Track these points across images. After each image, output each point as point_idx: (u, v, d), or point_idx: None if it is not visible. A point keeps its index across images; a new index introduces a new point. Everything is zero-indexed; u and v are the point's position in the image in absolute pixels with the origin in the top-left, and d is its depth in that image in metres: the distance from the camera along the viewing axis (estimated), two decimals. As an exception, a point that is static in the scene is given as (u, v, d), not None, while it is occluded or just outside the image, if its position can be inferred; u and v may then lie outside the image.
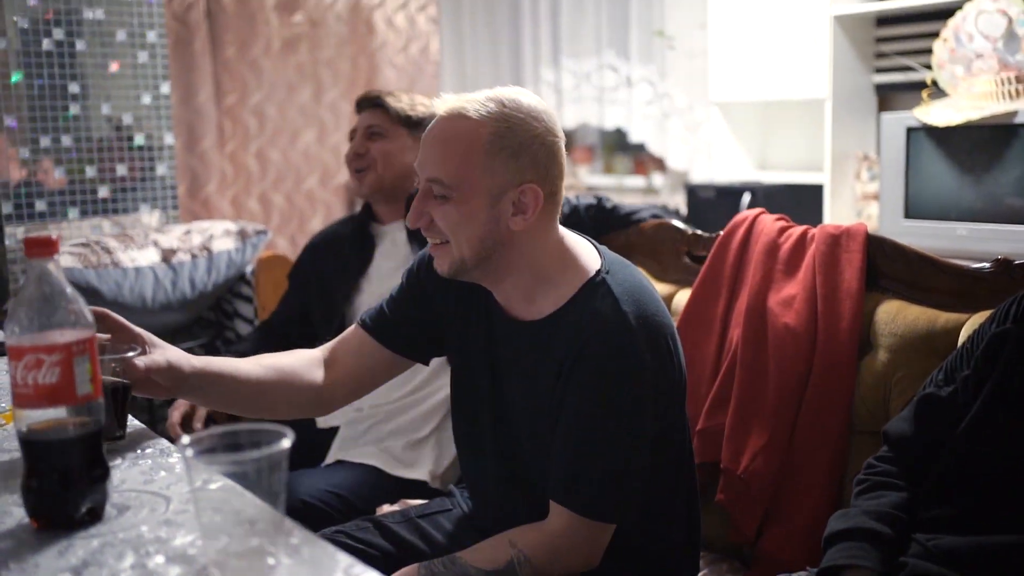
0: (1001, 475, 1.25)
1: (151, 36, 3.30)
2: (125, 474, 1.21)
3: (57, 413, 1.03)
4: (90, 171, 3.23)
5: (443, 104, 1.38)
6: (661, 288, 1.98)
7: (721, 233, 1.95)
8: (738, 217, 1.96)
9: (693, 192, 3.87)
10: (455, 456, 2.02)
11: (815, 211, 3.62)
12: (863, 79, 3.71)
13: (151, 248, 2.89)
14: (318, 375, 1.54)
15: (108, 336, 1.35)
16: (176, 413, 2.13)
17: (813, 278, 1.78)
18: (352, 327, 1.59)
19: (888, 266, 1.75)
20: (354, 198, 5.13)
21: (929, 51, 3.31)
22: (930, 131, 3.16)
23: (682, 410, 1.51)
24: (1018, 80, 3.05)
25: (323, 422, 2.18)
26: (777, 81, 3.77)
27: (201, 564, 0.93)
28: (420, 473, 2.03)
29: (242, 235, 3.06)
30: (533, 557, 1.37)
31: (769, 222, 1.91)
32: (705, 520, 1.62)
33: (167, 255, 2.90)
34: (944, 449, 1.29)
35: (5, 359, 1.09)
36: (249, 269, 3.05)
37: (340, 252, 2.26)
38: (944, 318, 1.63)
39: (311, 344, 1.63)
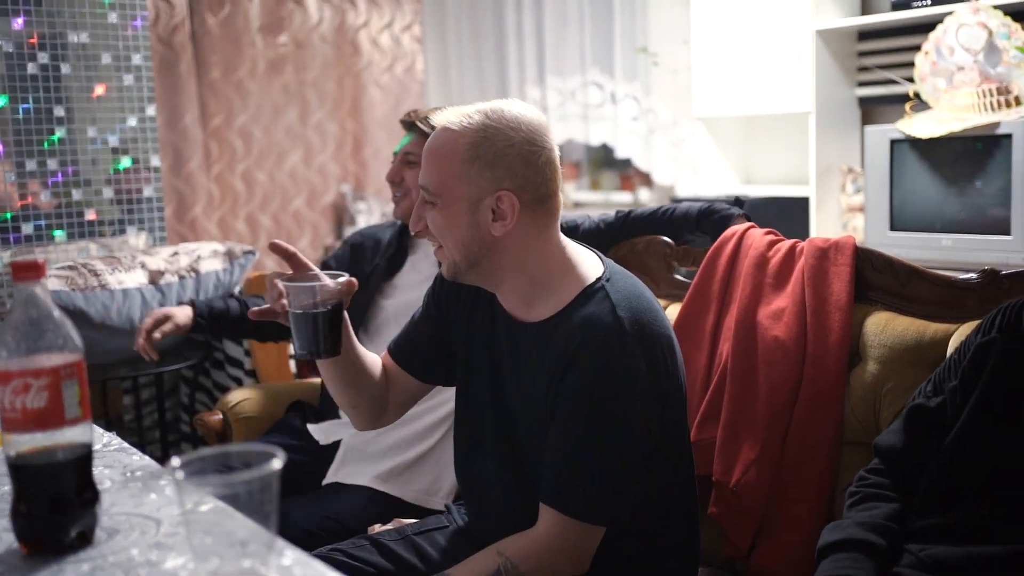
0: (991, 484, 1.25)
1: (136, 59, 3.30)
2: (115, 497, 1.20)
3: (46, 437, 1.02)
4: (76, 194, 3.22)
5: (438, 119, 1.47)
6: (651, 303, 1.98)
7: (710, 248, 1.96)
8: (727, 231, 1.97)
9: (679, 207, 3.88)
10: (453, 477, 2.02)
11: (801, 224, 3.64)
12: (846, 92, 3.74)
13: (138, 270, 2.88)
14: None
15: (291, 272, 1.48)
16: (148, 319, 2.26)
17: (802, 291, 1.79)
18: (384, 352, 1.67)
19: (876, 278, 1.76)
20: (343, 217, 5.13)
21: (911, 64, 3.34)
22: (914, 143, 3.19)
23: (680, 420, 1.51)
24: (999, 92, 3.08)
25: (323, 437, 2.18)
26: (761, 96, 3.79)
27: (193, 587, 0.93)
28: (418, 491, 2.03)
29: (230, 255, 3.05)
30: (520, 563, 1.38)
31: (758, 236, 1.92)
32: (698, 534, 1.61)
33: (155, 277, 2.89)
34: (934, 459, 1.30)
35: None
36: (237, 289, 3.05)
37: (376, 253, 2.30)
38: (933, 329, 1.64)
39: None
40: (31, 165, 3.12)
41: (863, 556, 1.28)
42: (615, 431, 1.38)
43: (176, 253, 3.00)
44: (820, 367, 1.72)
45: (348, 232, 4.99)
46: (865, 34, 3.69)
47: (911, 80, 3.36)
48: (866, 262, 1.77)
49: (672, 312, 1.97)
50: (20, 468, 1.03)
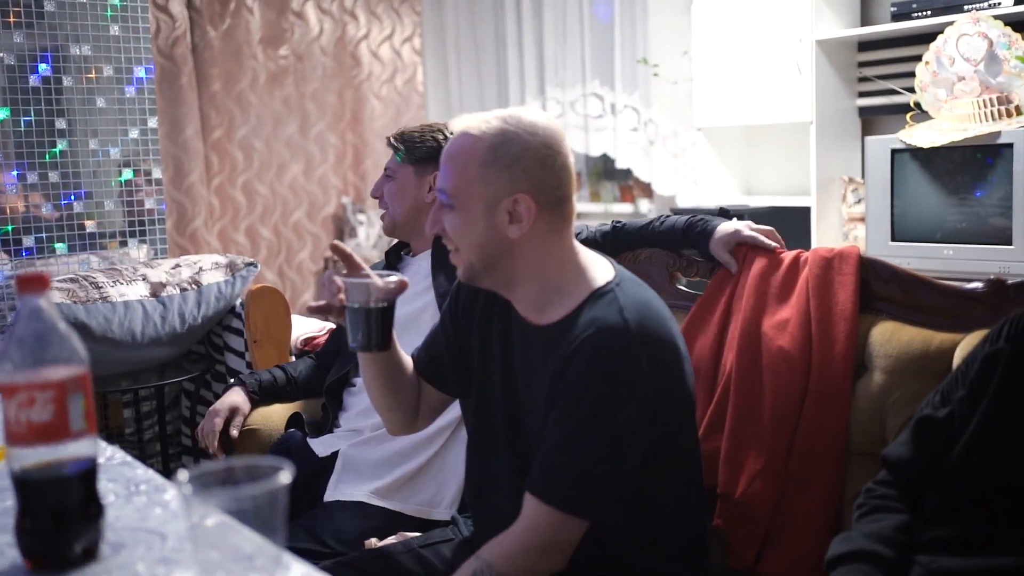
0: (1000, 495, 1.25)
1: (138, 71, 3.30)
2: (120, 511, 1.19)
3: (51, 451, 1.02)
4: (78, 206, 3.22)
5: (456, 124, 1.50)
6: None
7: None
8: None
9: (680, 218, 3.88)
10: (456, 486, 2.01)
11: (802, 234, 3.63)
12: (846, 103, 3.74)
13: (140, 282, 2.87)
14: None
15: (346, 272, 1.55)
16: (218, 420, 2.23)
17: (807, 301, 1.78)
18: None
19: (882, 288, 1.75)
20: (343, 229, 5.13)
21: (910, 75, 3.34)
22: (915, 153, 3.19)
23: (686, 428, 1.51)
24: (1000, 101, 3.08)
25: (322, 450, 2.17)
26: (761, 106, 3.80)
27: (199, 602, 0.92)
28: (419, 504, 2.02)
29: (231, 268, 3.04)
30: (496, 562, 1.37)
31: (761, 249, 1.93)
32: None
33: (156, 289, 2.88)
34: (942, 470, 1.29)
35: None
36: (239, 302, 3.04)
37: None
38: (939, 339, 1.63)
39: None
40: (32, 177, 3.11)
41: (872, 568, 1.27)
42: (609, 430, 1.37)
43: (178, 265, 2.99)
44: (825, 377, 1.71)
45: (348, 244, 4.99)
46: (865, 44, 3.70)
47: (911, 90, 3.36)
48: (871, 272, 1.77)
49: (676, 324, 1.97)
50: (25, 482, 1.02)
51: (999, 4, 3.14)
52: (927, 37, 3.28)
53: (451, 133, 1.67)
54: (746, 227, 1.95)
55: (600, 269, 1.50)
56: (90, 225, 3.25)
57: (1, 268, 3.04)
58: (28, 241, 3.12)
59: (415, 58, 5.36)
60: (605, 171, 5.05)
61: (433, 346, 1.68)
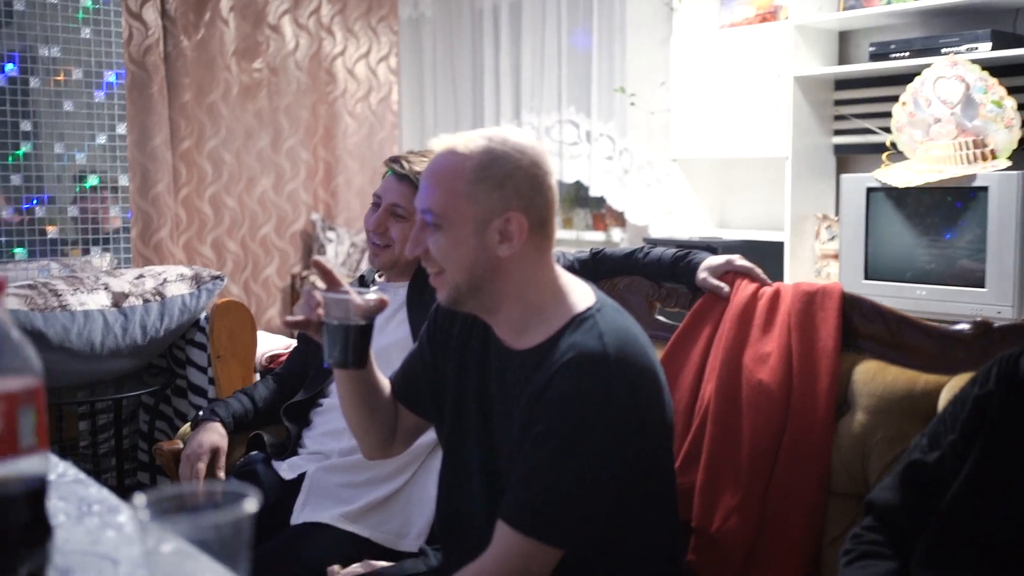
0: (994, 540, 1.21)
1: (108, 75, 3.22)
2: (69, 533, 1.12)
3: (-3, 468, 0.95)
4: (40, 211, 3.13)
5: (438, 143, 1.46)
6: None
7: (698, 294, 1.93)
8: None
9: (653, 248, 3.86)
10: (425, 518, 1.95)
11: (775, 269, 3.63)
12: (822, 140, 3.76)
13: (101, 292, 2.79)
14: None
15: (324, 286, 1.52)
16: (200, 464, 2.09)
17: (788, 335, 1.76)
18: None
19: (865, 326, 1.73)
20: (311, 246, 5.05)
21: (887, 114, 3.36)
22: (889, 192, 3.20)
23: (663, 458, 1.48)
24: (975, 145, 3.10)
25: (288, 473, 2.10)
26: (737, 140, 3.80)
27: (153, 636, 0.86)
28: (387, 533, 1.95)
29: (197, 280, 2.96)
30: None
31: (745, 282, 1.90)
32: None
33: (118, 299, 2.79)
34: (934, 517, 1.26)
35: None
36: (204, 315, 2.96)
37: None
38: (924, 380, 1.61)
39: None
40: (-6, 180, 3.03)
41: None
42: (583, 456, 1.34)
43: (141, 276, 2.91)
44: (806, 414, 1.68)
45: (316, 261, 4.91)
46: (843, 83, 3.72)
47: (887, 130, 3.38)
48: (854, 309, 1.75)
49: (656, 353, 1.93)
50: (-32, 501, 0.95)
51: (976, 48, 3.17)
52: (905, 78, 3.31)
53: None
54: (737, 258, 1.94)
55: (581, 294, 1.48)
56: (52, 231, 3.16)
57: (-44, 272, 2.94)
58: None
59: (391, 77, 5.33)
60: (578, 198, 5.04)
61: (410, 368, 1.65)
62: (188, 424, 2.43)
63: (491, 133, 1.44)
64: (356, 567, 1.73)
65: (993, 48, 3.13)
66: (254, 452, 2.24)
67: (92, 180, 3.25)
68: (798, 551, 1.65)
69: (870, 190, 3.24)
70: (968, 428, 1.26)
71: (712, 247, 1.97)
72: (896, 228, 3.22)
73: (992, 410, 1.25)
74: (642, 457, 1.40)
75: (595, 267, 2.10)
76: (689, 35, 3.96)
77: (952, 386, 1.55)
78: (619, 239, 4.71)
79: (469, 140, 1.42)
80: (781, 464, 1.69)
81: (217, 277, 3.00)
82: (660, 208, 4.34)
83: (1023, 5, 3.27)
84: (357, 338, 1.48)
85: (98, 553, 1.06)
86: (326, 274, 1.52)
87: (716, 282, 1.91)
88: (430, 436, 1.74)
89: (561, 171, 4.70)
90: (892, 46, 3.38)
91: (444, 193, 1.41)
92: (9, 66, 3.03)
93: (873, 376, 1.66)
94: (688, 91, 3.94)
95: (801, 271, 3.69)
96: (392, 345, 2.04)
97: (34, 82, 3.09)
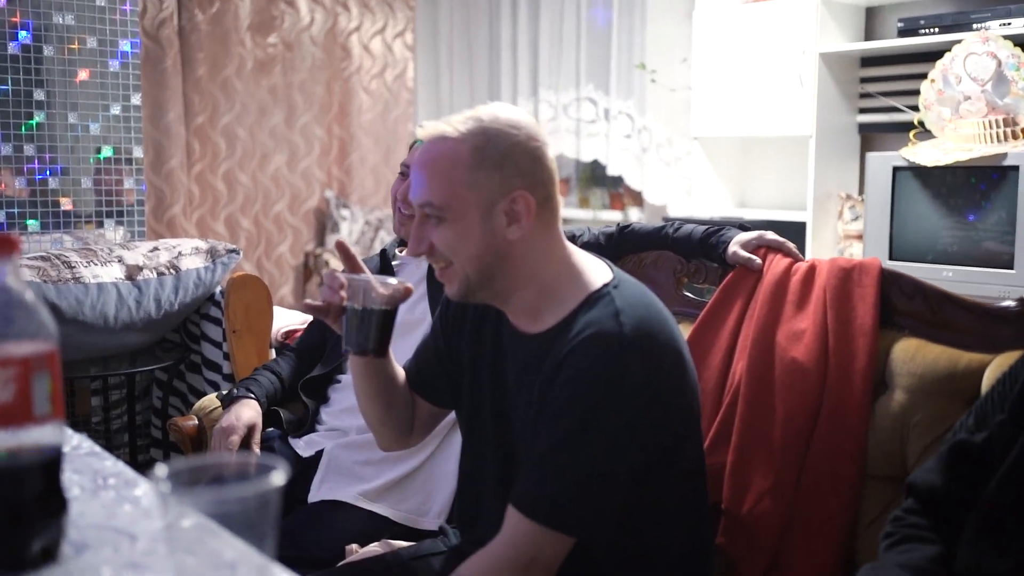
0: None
1: (123, 45, 3.18)
2: (84, 507, 1.08)
3: (10, 437, 0.91)
4: (53, 183, 3.09)
5: (425, 130, 1.40)
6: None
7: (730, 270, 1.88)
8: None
9: (672, 227, 3.81)
10: (445, 496, 1.92)
11: (797, 250, 3.56)
12: (847, 118, 3.69)
13: (115, 264, 2.75)
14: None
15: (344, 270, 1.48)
16: (235, 437, 2.02)
17: (824, 312, 1.71)
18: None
19: (905, 303, 1.67)
20: (325, 223, 5.02)
21: (914, 92, 3.29)
22: (916, 172, 3.13)
23: (689, 439, 1.43)
24: (1006, 123, 3.03)
25: (306, 449, 2.06)
26: (760, 118, 3.74)
27: (173, 614, 0.82)
28: (407, 511, 1.92)
29: (212, 253, 2.92)
30: None
31: (778, 258, 1.85)
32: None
33: (132, 272, 2.75)
34: (981, 499, 1.21)
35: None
36: (219, 290, 2.92)
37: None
38: (967, 358, 1.55)
39: None
40: (6, 150, 2.99)
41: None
42: (599, 439, 1.29)
43: (156, 248, 2.87)
44: (843, 394, 1.63)
45: (330, 239, 4.88)
46: (869, 60, 3.65)
47: (914, 108, 3.31)
48: (893, 286, 1.69)
49: (683, 331, 1.88)
50: (-21, 472, 0.91)
51: (1009, 24, 3.09)
52: (933, 55, 3.23)
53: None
54: (769, 233, 1.90)
55: (596, 271, 1.42)
56: (65, 203, 3.12)
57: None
58: (-1, 216, 3.00)
59: (406, 53, 5.27)
60: (595, 177, 4.98)
61: (424, 357, 1.61)
62: (203, 399, 2.39)
63: (479, 113, 1.37)
64: (375, 546, 1.70)
65: (1026, 23, 3.05)
66: (270, 428, 2.21)
67: (107, 151, 3.21)
68: (832, 535, 1.60)
69: (896, 169, 3.17)
70: (1018, 407, 1.21)
71: (744, 225, 1.91)
72: (922, 208, 3.15)
73: (1046, 389, 1.20)
74: (663, 437, 1.35)
75: (621, 242, 2.05)
76: (712, 10, 3.88)
77: (997, 365, 1.49)
78: (637, 218, 4.65)
79: (459, 123, 1.36)
80: (816, 445, 1.64)
81: (233, 251, 2.96)
82: (679, 187, 4.28)
83: (1057, -20, 3.19)
84: (380, 324, 1.44)
85: (115, 527, 1.02)
86: (349, 259, 1.48)
87: (747, 255, 1.86)
88: (450, 415, 1.70)
89: (579, 150, 4.64)
90: (921, 21, 3.31)
91: (442, 183, 1.34)
92: (23, 33, 2.98)
93: (913, 355, 1.61)
94: (710, 68, 3.87)
95: (823, 252, 3.63)
96: (414, 321, 2.01)
97: (48, 50, 3.05)
